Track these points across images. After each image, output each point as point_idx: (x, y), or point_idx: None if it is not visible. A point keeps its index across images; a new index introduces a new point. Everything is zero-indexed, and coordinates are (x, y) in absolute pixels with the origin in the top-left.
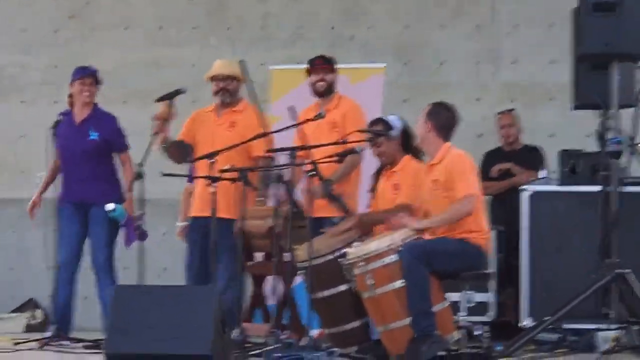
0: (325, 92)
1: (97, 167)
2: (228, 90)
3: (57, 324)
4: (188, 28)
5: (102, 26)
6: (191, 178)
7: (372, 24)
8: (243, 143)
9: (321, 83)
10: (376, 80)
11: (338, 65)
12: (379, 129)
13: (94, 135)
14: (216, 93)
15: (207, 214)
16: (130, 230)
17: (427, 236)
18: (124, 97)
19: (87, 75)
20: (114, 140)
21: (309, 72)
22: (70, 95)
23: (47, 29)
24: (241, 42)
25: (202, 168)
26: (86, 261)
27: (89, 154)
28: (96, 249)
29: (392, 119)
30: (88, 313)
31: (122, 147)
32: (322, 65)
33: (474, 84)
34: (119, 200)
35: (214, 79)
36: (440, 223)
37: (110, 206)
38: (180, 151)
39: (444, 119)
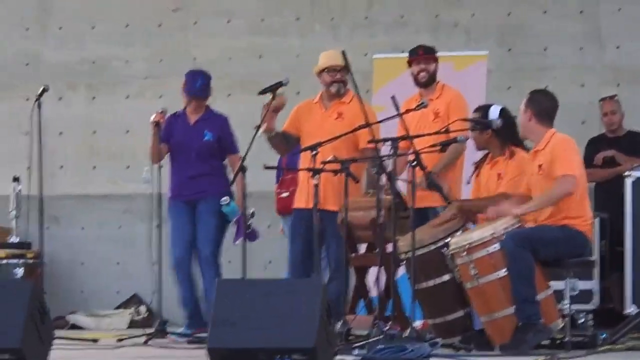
0: (428, 82)
1: (208, 166)
2: (343, 81)
3: (189, 321)
4: (291, 17)
5: (205, 17)
6: (294, 170)
7: (474, 10)
8: (346, 134)
9: (423, 74)
10: (479, 67)
11: (441, 53)
12: (481, 119)
13: (208, 136)
14: (330, 84)
15: (310, 205)
16: (241, 228)
17: (529, 224)
18: (227, 88)
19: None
20: (226, 141)
21: (410, 62)
22: None
23: (151, 22)
24: (343, 31)
25: (305, 160)
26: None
27: (202, 154)
28: (202, 242)
29: (493, 109)
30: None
31: (234, 148)
32: (423, 55)
33: (578, 68)
34: (226, 195)
35: (326, 70)
36: (539, 206)
37: (226, 199)
38: (285, 142)
39: (543, 105)
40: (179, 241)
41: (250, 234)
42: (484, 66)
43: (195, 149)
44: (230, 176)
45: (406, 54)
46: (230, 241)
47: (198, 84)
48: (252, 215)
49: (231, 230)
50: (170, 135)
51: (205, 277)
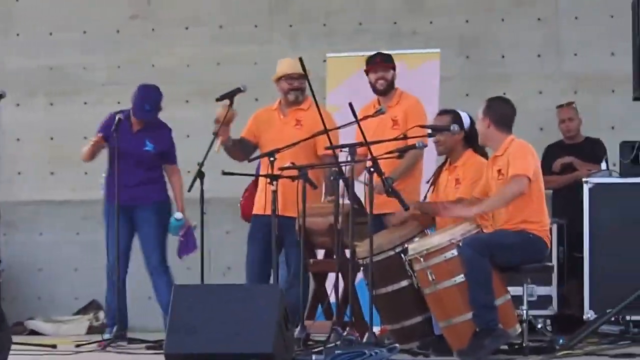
0: (386, 90)
1: (147, 174)
2: (300, 89)
3: (111, 327)
4: (249, 25)
5: (164, 25)
6: (251, 176)
7: (433, 18)
8: (304, 140)
9: (381, 82)
10: (432, 65)
11: (393, 51)
12: (440, 125)
13: (149, 146)
14: (288, 92)
15: (269, 212)
16: (190, 240)
17: (487, 230)
18: (185, 95)
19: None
20: (167, 152)
21: (368, 70)
22: None
23: (109, 29)
24: (302, 39)
25: (264, 166)
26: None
27: (142, 163)
28: (148, 250)
29: (464, 115)
30: (151, 314)
31: (173, 159)
32: (381, 63)
33: (536, 76)
34: (165, 203)
35: (285, 77)
36: (491, 206)
37: (179, 215)
38: (243, 150)
39: (502, 112)
40: (113, 248)
41: (191, 246)
42: (437, 64)
43: (135, 157)
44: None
45: (359, 53)
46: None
47: (146, 108)
48: (194, 227)
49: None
50: (113, 138)
51: (157, 284)
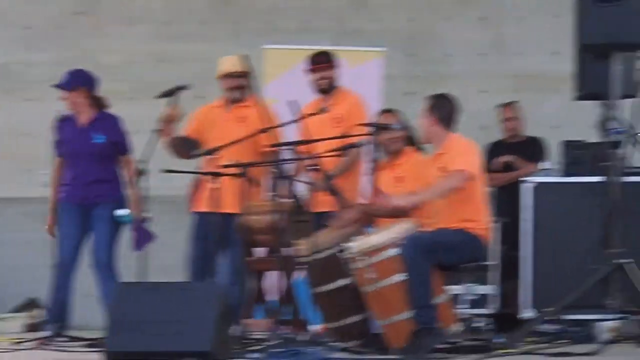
0: (328, 89)
1: (101, 169)
2: (242, 87)
3: (53, 322)
4: (194, 23)
5: (108, 22)
6: (193, 174)
7: (378, 16)
8: (246, 138)
9: (323, 81)
10: (375, 64)
11: (336, 47)
12: (382, 123)
13: (99, 139)
14: (231, 90)
15: (210, 209)
16: (141, 234)
17: (427, 229)
18: (130, 92)
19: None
20: (119, 142)
21: (311, 70)
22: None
23: (53, 26)
24: (247, 37)
25: (207, 164)
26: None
27: (94, 157)
28: (98, 248)
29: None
30: (92, 311)
31: (126, 149)
32: (323, 63)
33: (479, 75)
34: (121, 200)
35: (226, 76)
36: (428, 197)
37: (121, 212)
38: (186, 147)
39: (446, 110)
40: (64, 245)
41: (148, 238)
42: (380, 64)
43: (86, 152)
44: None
45: (297, 46)
46: (128, 247)
47: (65, 77)
48: (147, 220)
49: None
50: (61, 139)
51: (103, 283)
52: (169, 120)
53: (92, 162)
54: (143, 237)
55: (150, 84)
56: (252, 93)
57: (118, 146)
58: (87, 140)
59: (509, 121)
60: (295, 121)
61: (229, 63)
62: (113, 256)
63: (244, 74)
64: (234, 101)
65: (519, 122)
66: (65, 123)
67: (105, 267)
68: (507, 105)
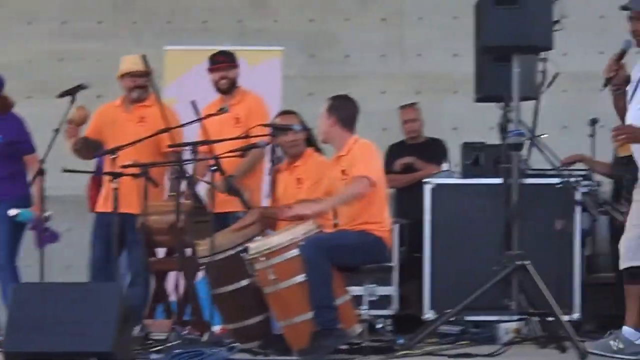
0: (228, 89)
1: (2, 169)
2: (144, 87)
3: None
4: (93, 22)
5: (5, 20)
6: (94, 173)
7: (277, 16)
8: (146, 138)
9: (224, 81)
10: (274, 63)
11: (234, 47)
12: (282, 124)
13: None
14: (131, 89)
15: (110, 209)
16: (41, 233)
17: (327, 230)
18: (28, 91)
19: None
20: (20, 142)
21: (211, 70)
22: None
23: None
24: (146, 36)
25: (108, 164)
26: None
27: None
28: None
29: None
30: None
31: (29, 149)
32: (223, 62)
33: (379, 76)
34: (24, 199)
35: (127, 75)
36: (332, 205)
37: (13, 212)
38: (88, 148)
39: (347, 112)
40: None
41: (49, 237)
42: (279, 63)
43: None
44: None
45: (197, 47)
46: (28, 246)
47: None
48: (48, 218)
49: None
50: None
51: (3, 283)
52: (75, 121)
53: None
54: (45, 236)
55: (49, 83)
56: (153, 93)
57: (19, 146)
58: None
59: (409, 123)
60: (195, 121)
61: (130, 62)
62: (14, 256)
63: (144, 74)
64: (135, 101)
65: (419, 124)
66: None
67: (4, 267)
68: (407, 106)
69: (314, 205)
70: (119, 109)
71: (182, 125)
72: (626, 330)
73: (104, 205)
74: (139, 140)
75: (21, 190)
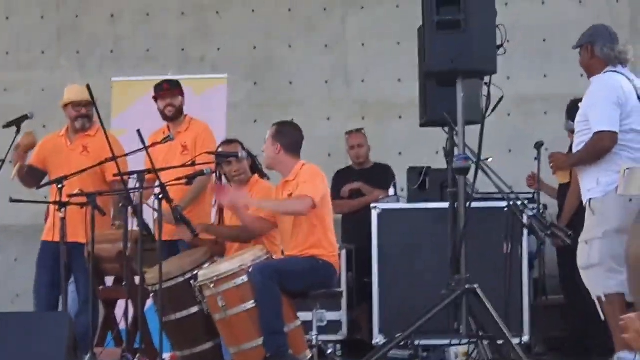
0: (175, 116)
1: None
2: (88, 116)
3: None
4: (37, 51)
5: None
6: (39, 203)
7: (220, 44)
8: (91, 167)
9: (170, 108)
10: (219, 90)
11: (180, 76)
12: (228, 151)
13: None
14: (75, 119)
15: (57, 238)
16: None
17: (277, 256)
18: None
19: None
20: None
21: (156, 98)
22: None
23: None
24: (90, 65)
25: (53, 193)
26: None
27: None
28: None
29: None
30: None
31: None
32: (168, 90)
33: (324, 102)
34: None
35: (71, 105)
36: (269, 208)
37: None
38: (33, 177)
39: (291, 138)
40: None
41: None
42: (224, 89)
43: None
44: None
45: (146, 77)
46: None
47: None
48: None
49: None
50: None
51: None
52: (23, 147)
53: None
54: None
55: None
56: (96, 122)
57: None
58: None
59: (356, 148)
60: (140, 150)
61: (74, 92)
62: None
63: (88, 103)
64: (79, 130)
65: (366, 149)
66: None
67: None
68: (354, 132)
69: (253, 200)
70: (62, 138)
71: (128, 155)
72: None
73: (50, 234)
74: (84, 170)
75: None
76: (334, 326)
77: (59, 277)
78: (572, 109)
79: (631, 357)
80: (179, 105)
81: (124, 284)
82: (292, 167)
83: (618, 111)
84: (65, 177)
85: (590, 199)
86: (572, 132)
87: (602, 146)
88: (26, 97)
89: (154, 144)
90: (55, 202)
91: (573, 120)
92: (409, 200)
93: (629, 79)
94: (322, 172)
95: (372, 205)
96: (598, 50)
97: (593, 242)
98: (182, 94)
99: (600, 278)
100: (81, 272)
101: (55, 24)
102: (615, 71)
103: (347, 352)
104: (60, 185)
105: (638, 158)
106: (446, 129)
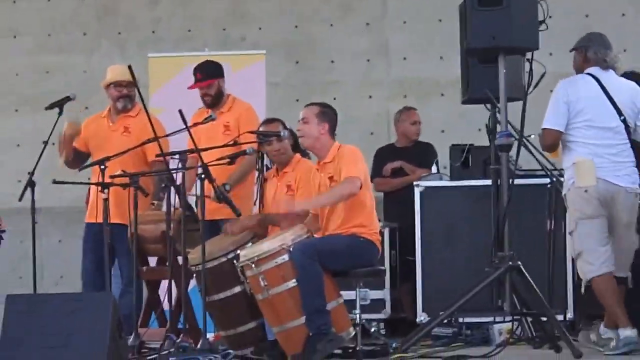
0: (213, 103)
1: None
2: (129, 96)
3: None
4: (78, 33)
5: None
6: (83, 184)
7: (261, 24)
8: (133, 148)
9: (206, 98)
10: (258, 67)
11: (217, 52)
12: (270, 130)
13: None
14: (117, 99)
15: (100, 220)
16: None
17: (318, 234)
18: (14, 105)
19: None
20: None
21: (191, 87)
22: None
23: None
24: (131, 46)
25: (95, 174)
26: None
27: None
28: None
29: None
30: None
31: None
32: (201, 80)
33: (365, 81)
34: None
35: (113, 85)
36: (323, 202)
37: None
38: (77, 159)
39: (334, 119)
40: None
41: None
42: (263, 66)
43: None
44: None
45: (181, 53)
46: (21, 258)
47: None
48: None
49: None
50: None
51: None
52: (68, 138)
53: None
54: None
55: (35, 96)
56: (138, 102)
57: None
58: None
59: (416, 124)
60: (182, 130)
61: (116, 72)
62: None
63: (130, 84)
64: (121, 110)
65: (418, 127)
66: None
67: None
68: (411, 109)
69: (303, 202)
70: (104, 119)
71: (169, 135)
72: None
73: (93, 215)
74: (127, 151)
75: None
76: (377, 304)
77: (103, 258)
78: None
79: (632, 334)
80: (214, 92)
81: (167, 264)
82: (329, 148)
83: (566, 108)
84: (108, 158)
85: (564, 194)
86: None
87: (543, 143)
88: (67, 80)
89: (195, 124)
90: (98, 183)
91: None
92: (452, 178)
93: (598, 79)
94: (364, 151)
95: (415, 183)
96: (591, 54)
97: (573, 234)
98: (218, 78)
99: (585, 263)
100: (124, 254)
101: (95, 6)
102: (589, 73)
103: (390, 330)
104: (102, 167)
105: (600, 153)
106: (488, 106)
